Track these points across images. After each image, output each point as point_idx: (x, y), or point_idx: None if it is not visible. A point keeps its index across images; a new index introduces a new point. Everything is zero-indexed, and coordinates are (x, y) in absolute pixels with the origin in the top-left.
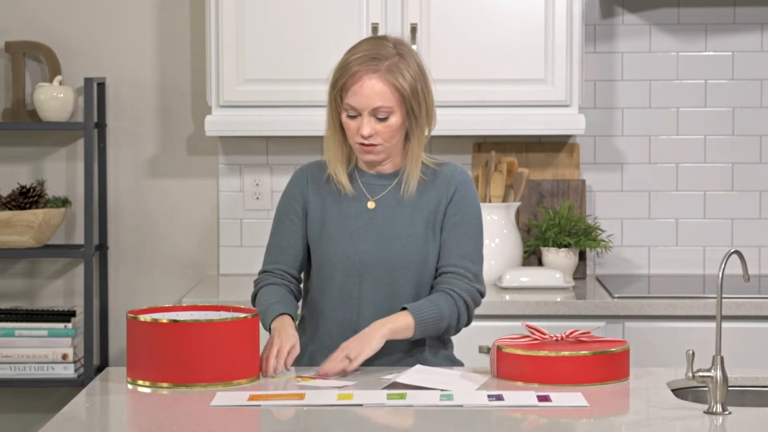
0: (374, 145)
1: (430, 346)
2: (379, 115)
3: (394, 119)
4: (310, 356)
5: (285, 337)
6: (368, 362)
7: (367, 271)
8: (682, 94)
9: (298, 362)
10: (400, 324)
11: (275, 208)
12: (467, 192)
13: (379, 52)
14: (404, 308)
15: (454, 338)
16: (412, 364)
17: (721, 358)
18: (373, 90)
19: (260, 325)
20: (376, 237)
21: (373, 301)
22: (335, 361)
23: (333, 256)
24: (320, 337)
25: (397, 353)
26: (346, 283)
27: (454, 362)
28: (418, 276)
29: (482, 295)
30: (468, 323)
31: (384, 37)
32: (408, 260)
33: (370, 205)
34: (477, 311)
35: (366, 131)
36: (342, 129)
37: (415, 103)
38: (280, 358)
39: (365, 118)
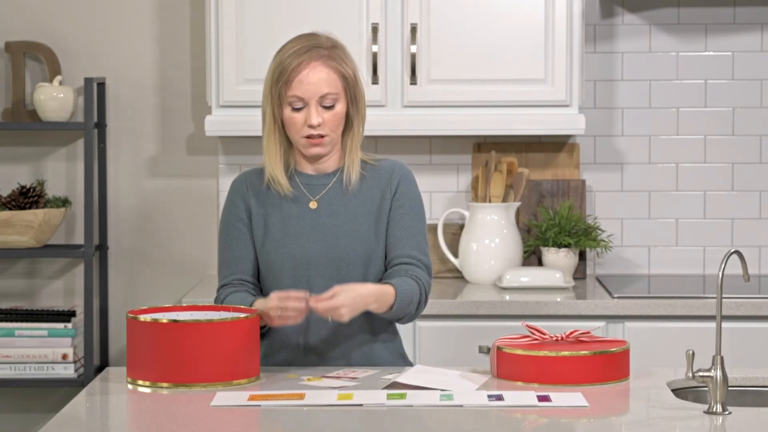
0: (322, 136)
1: (383, 340)
2: (325, 102)
3: (340, 107)
4: (265, 355)
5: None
6: (323, 356)
7: (315, 270)
8: (682, 94)
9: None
10: (386, 297)
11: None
12: (410, 186)
13: (316, 42)
14: (386, 282)
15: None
16: (361, 360)
17: (721, 358)
18: (319, 77)
19: (259, 330)
20: (320, 236)
21: None
22: (330, 302)
23: (279, 259)
24: (272, 338)
25: (348, 343)
26: (295, 284)
27: (405, 359)
28: (364, 271)
29: (430, 288)
30: (419, 314)
31: (313, 33)
32: (354, 256)
33: (312, 205)
34: (477, 311)
35: (315, 120)
36: (280, 129)
37: (357, 89)
38: (291, 299)
39: (312, 107)
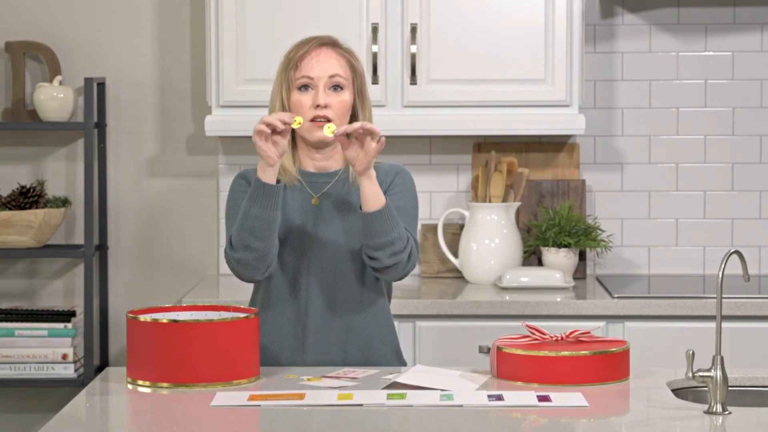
0: (328, 120)
1: (381, 336)
2: (333, 83)
3: (347, 95)
4: (262, 348)
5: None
6: (323, 354)
7: (315, 264)
8: (682, 94)
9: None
10: (380, 193)
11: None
12: (405, 179)
13: (329, 38)
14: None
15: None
16: (358, 356)
17: (721, 358)
18: (329, 60)
19: (259, 326)
20: (321, 231)
21: (320, 294)
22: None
23: (280, 253)
24: (269, 331)
25: (345, 337)
26: (295, 277)
27: (400, 357)
28: (362, 267)
29: (415, 262)
30: (403, 272)
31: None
32: (353, 251)
33: (314, 201)
34: (477, 311)
35: (322, 99)
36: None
37: (364, 86)
38: (282, 115)
39: (320, 88)
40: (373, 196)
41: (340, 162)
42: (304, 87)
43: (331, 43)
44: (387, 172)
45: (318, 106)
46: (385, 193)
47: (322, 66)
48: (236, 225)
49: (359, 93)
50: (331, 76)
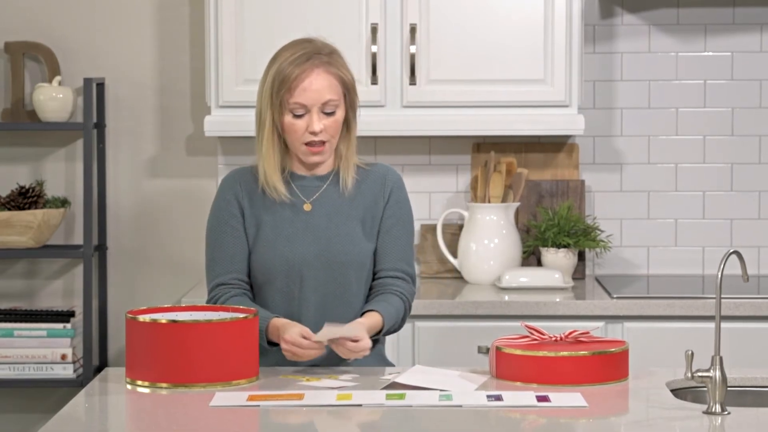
0: (323, 143)
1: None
2: (327, 109)
3: (339, 113)
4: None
5: (290, 325)
6: (315, 362)
7: (308, 272)
8: (682, 94)
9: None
10: (373, 323)
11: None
12: (402, 194)
13: (315, 48)
14: (368, 310)
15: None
16: (343, 361)
17: (721, 358)
18: (322, 84)
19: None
20: (314, 238)
21: (314, 301)
22: (359, 345)
23: (272, 261)
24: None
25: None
26: (288, 285)
27: (386, 362)
28: (356, 273)
29: (413, 298)
30: (404, 323)
31: (309, 38)
32: (348, 259)
33: (306, 207)
34: (476, 312)
35: (317, 126)
36: (278, 134)
37: (355, 95)
38: (307, 336)
39: (314, 114)
40: (372, 332)
41: (330, 164)
42: (298, 114)
43: (319, 63)
44: (383, 181)
45: (313, 132)
46: (383, 207)
47: (315, 92)
48: (220, 293)
49: (351, 105)
50: (324, 103)
